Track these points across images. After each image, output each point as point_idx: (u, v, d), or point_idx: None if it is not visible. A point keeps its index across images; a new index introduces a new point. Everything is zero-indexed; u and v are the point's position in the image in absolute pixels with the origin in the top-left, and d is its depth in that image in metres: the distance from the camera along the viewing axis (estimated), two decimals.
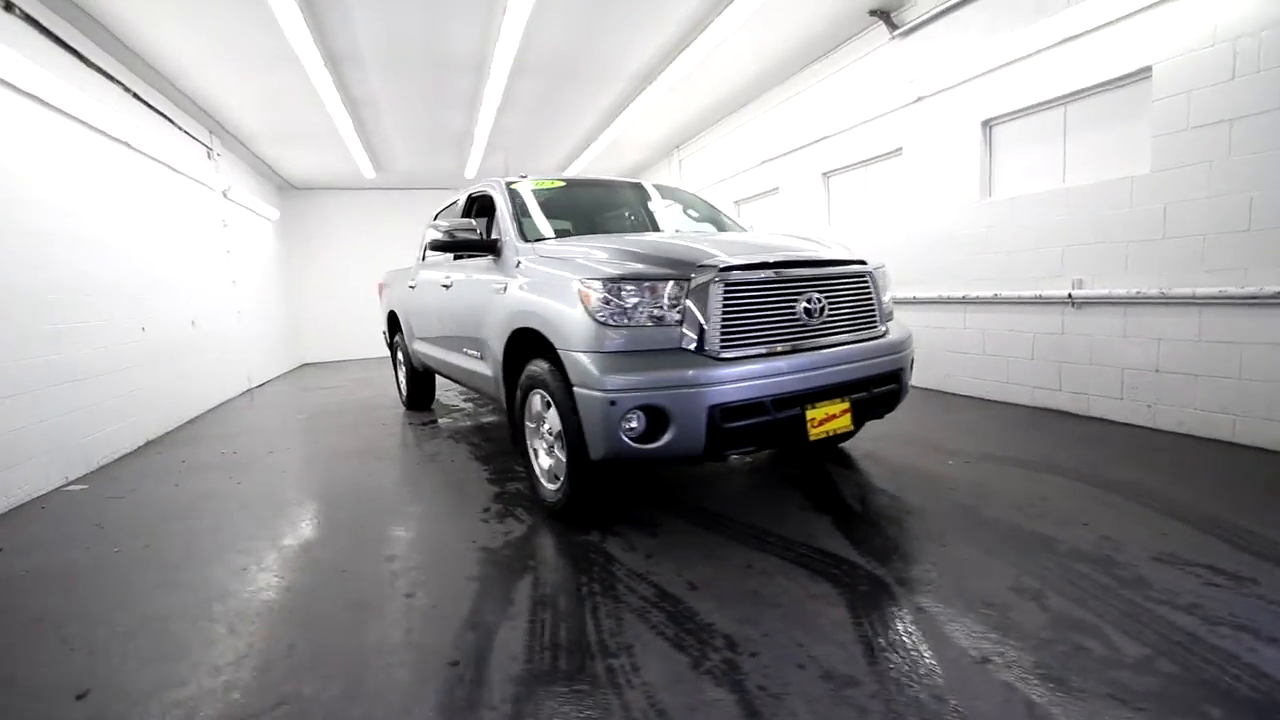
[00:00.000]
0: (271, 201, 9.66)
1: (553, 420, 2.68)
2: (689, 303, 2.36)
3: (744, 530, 2.58)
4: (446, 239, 3.36)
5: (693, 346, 2.36)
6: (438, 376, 5.29)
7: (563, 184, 3.85)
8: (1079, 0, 3.74)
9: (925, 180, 5.10)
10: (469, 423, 5.06)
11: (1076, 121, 3.98)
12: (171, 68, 5.36)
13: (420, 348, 4.99)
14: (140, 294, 4.97)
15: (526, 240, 3.18)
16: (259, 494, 3.39)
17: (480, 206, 4.02)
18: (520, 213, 3.38)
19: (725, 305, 2.38)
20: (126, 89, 4.99)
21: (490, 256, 3.40)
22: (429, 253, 4.96)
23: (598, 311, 2.36)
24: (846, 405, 2.58)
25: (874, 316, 2.83)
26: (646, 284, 2.36)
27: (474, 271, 3.59)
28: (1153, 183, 3.50)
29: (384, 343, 6.57)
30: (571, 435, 2.51)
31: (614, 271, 2.41)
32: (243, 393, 7.53)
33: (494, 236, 3.42)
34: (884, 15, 5.12)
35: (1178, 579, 1.98)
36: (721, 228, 3.90)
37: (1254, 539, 2.22)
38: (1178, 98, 3.34)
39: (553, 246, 2.94)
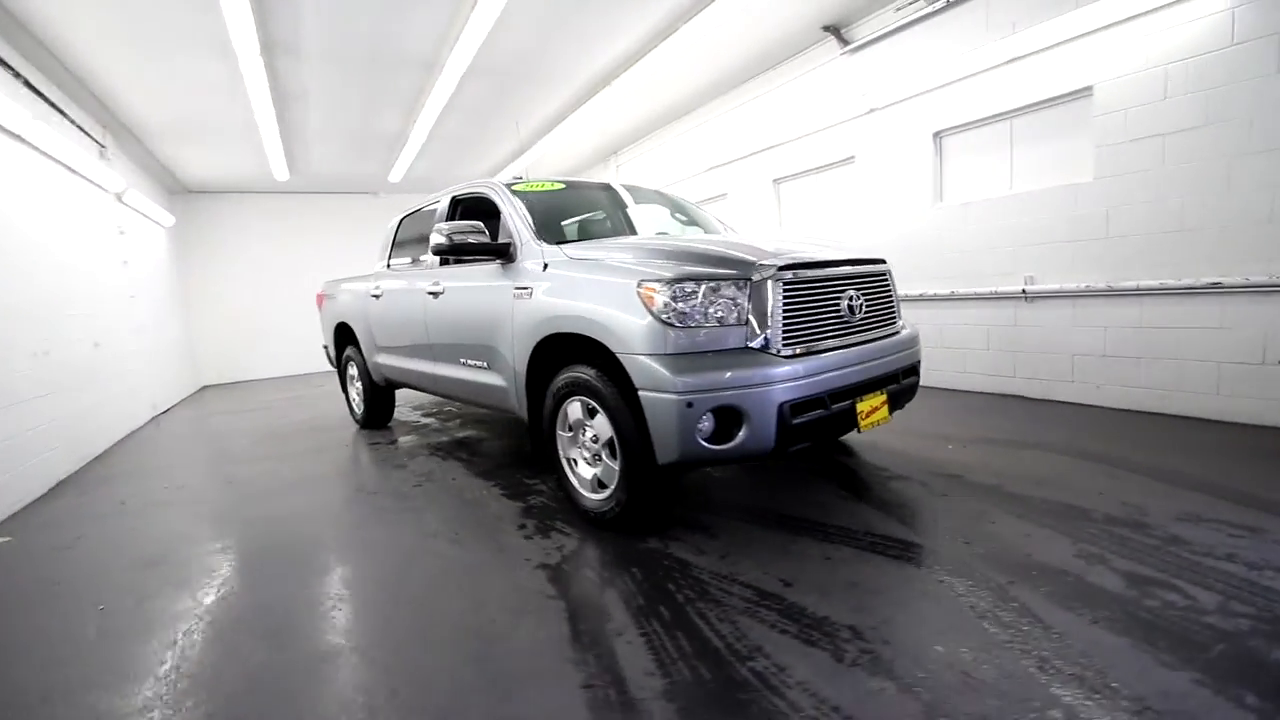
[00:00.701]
0: (165, 206, 8.63)
1: (600, 427, 2.60)
2: (750, 302, 2.38)
3: (799, 524, 2.62)
4: (450, 243, 3.16)
5: (756, 345, 2.37)
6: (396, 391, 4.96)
7: (562, 186, 3.74)
8: (1024, 28, 4.16)
9: (878, 186, 5.45)
10: (444, 437, 4.77)
11: (1023, 133, 4.42)
12: (59, 48, 4.67)
13: (386, 361, 4.65)
14: (38, 312, 4.26)
15: (545, 243, 3.06)
16: (251, 536, 3.00)
17: (468, 210, 3.83)
18: (535, 215, 3.25)
19: (785, 303, 2.42)
20: (11, 69, 4.29)
21: (497, 261, 3.24)
22: (394, 259, 4.65)
23: (663, 313, 2.32)
24: (885, 397, 2.70)
25: (895, 313, 3.00)
26: (710, 284, 2.35)
27: (476, 278, 3.41)
28: (1096, 189, 3.96)
29: (327, 358, 6.06)
30: (630, 440, 2.44)
31: (676, 272, 2.37)
32: (149, 421, 6.65)
33: (502, 240, 3.26)
34: (835, 31, 5.43)
35: (1206, 535, 2.24)
36: (709, 230, 3.95)
37: (1245, 496, 2.55)
38: (1116, 114, 3.81)
39: (584, 249, 2.85)
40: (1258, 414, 3.40)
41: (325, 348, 6.06)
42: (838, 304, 2.61)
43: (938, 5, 4.60)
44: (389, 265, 4.67)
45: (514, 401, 3.18)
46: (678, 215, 4.14)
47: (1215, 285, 3.46)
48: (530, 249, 3.06)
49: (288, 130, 6.98)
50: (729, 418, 2.28)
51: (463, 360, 3.58)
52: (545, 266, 2.88)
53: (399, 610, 2.13)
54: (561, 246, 2.95)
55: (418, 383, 4.33)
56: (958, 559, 2.20)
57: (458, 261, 3.74)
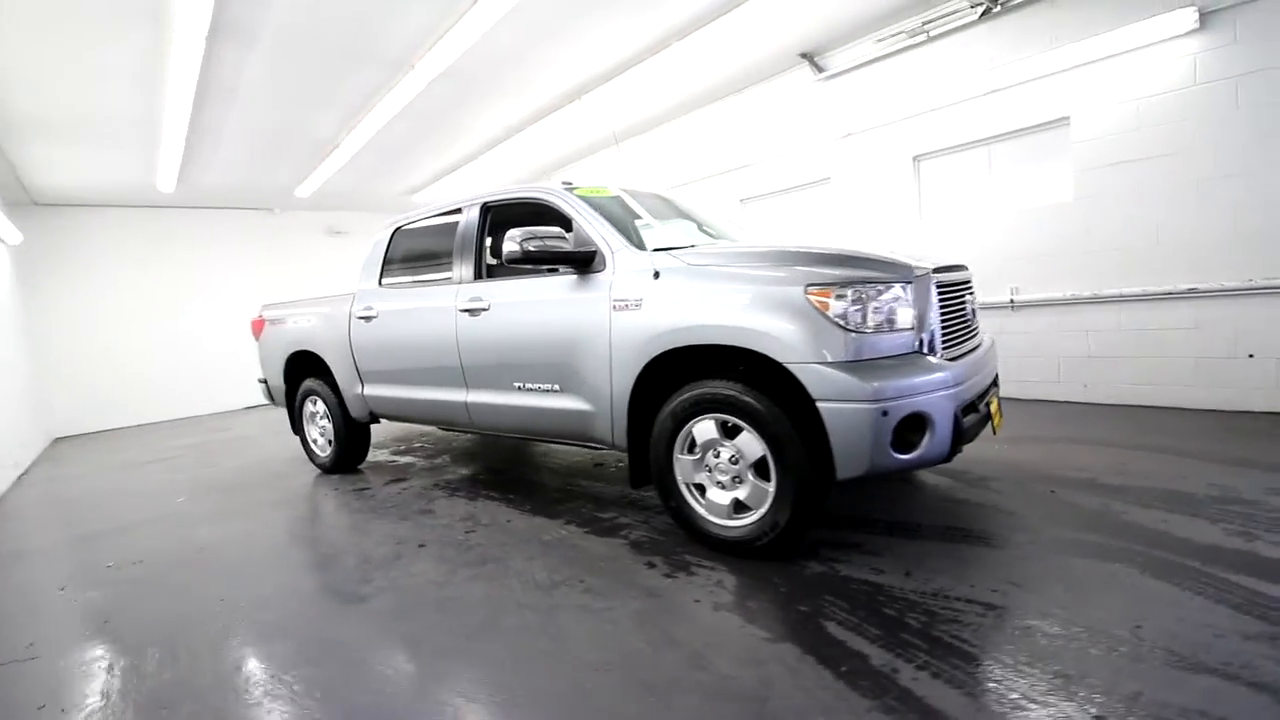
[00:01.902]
0: (10, 220, 7.01)
1: (746, 446, 2.38)
2: (914, 305, 2.31)
3: (941, 532, 2.57)
4: (524, 252, 2.79)
5: (923, 349, 2.31)
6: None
7: (614, 194, 3.47)
8: (1001, 64, 4.59)
9: (856, 206, 5.73)
10: (448, 475, 4.20)
11: (1003, 157, 4.85)
12: None
13: (379, 392, 4.03)
14: None
15: (639, 250, 2.81)
16: (299, 627, 2.37)
17: (505, 218, 3.43)
18: (626, 220, 2.98)
19: (941, 307, 2.40)
20: None
21: (572, 272, 2.92)
22: (387, 276, 4.07)
23: (839, 318, 2.18)
24: (998, 399, 2.76)
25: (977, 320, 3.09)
26: (879, 287, 2.25)
27: (543, 291, 3.04)
28: (1076, 208, 4.42)
29: (265, 394, 5.17)
30: (794, 457, 2.25)
31: (845, 275, 2.25)
32: (14, 483, 5.25)
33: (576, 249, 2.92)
34: (811, 59, 5.68)
35: None
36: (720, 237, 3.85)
37: None
38: (1093, 142, 4.29)
39: (701, 256, 2.63)
40: (1236, 401, 3.92)
41: (262, 382, 5.17)
42: (964, 308, 2.64)
43: (917, 39, 4.96)
44: (381, 283, 4.07)
45: (602, 427, 2.84)
46: (706, 229, 4.02)
47: (1191, 290, 3.98)
48: (627, 257, 2.78)
49: (198, 130, 5.96)
50: (914, 425, 2.17)
51: (519, 385, 3.17)
52: (657, 275, 2.62)
53: (605, 685, 1.75)
54: (670, 253, 2.71)
55: (433, 415, 3.78)
56: (1136, 551, 2.24)
57: (501, 274, 3.34)
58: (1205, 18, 3.74)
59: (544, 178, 9.74)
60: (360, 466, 4.73)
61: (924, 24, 4.83)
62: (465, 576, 2.53)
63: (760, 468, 2.38)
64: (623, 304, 2.69)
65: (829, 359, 2.17)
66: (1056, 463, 3.31)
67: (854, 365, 2.16)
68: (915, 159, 5.30)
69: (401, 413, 4.05)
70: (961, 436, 2.28)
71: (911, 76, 5.13)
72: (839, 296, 2.20)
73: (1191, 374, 4.07)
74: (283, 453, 5.60)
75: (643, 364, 2.62)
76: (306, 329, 4.58)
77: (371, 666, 1.92)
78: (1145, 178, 4.11)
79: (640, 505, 3.25)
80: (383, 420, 4.33)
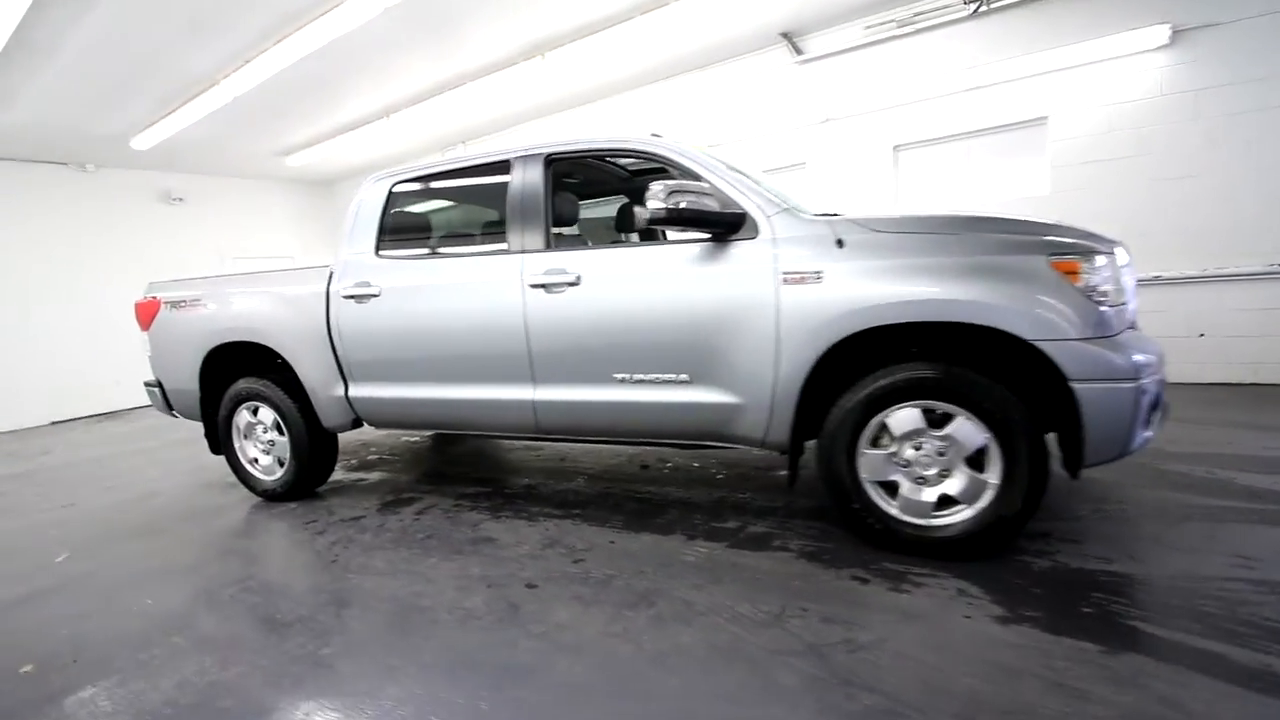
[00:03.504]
0: None
1: (961, 434, 2.14)
2: (1129, 278, 2.24)
3: (1103, 513, 2.55)
4: (671, 212, 2.27)
5: (1128, 324, 2.23)
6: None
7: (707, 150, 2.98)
8: (982, 64, 4.85)
9: (831, 192, 5.76)
10: (461, 490, 3.41)
11: (982, 150, 5.14)
12: None
13: (383, 393, 3.15)
14: None
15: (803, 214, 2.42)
16: None
17: (566, 175, 2.84)
18: (752, 180, 2.55)
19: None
20: None
21: (705, 240, 2.45)
22: (388, 245, 3.19)
23: (1089, 290, 2.02)
24: None
25: None
26: (1109, 258, 2.12)
27: (663, 260, 2.53)
28: (1053, 201, 4.81)
29: (160, 402, 3.88)
30: (1024, 444, 2.06)
31: (1086, 244, 2.09)
32: None
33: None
34: (791, 40, 5.59)
35: None
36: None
37: None
38: (1069, 141, 4.69)
39: (890, 222, 2.30)
40: (1195, 376, 4.51)
41: (155, 387, 3.88)
42: None
43: (905, 30, 5.08)
44: (379, 253, 3.17)
45: (753, 422, 2.42)
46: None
47: (1155, 278, 4.51)
48: (791, 222, 2.37)
49: (22, 44, 4.28)
50: (1154, 404, 2.09)
51: (623, 376, 2.61)
52: (840, 243, 2.26)
53: None
54: (844, 219, 2.36)
55: (470, 419, 3.02)
56: None
57: (566, 244, 2.75)
58: (1176, 35, 4.23)
59: (451, 148, 8.68)
60: (319, 489, 3.73)
61: (916, 14, 4.95)
62: (645, 622, 1.98)
63: (975, 460, 2.16)
64: (796, 277, 2.29)
65: (1084, 334, 2.00)
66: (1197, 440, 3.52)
67: (1106, 341, 2.01)
68: (895, 148, 5.45)
69: (411, 418, 3.22)
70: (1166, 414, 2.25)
71: (895, 67, 5.25)
72: (1088, 268, 2.03)
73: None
74: (181, 477, 4.28)
75: (824, 347, 2.25)
76: (245, 313, 3.47)
77: None
78: (1116, 176, 4.59)
79: (748, 509, 2.87)
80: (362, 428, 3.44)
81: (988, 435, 2.11)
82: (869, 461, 2.29)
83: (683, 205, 2.29)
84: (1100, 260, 2.06)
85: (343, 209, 10.68)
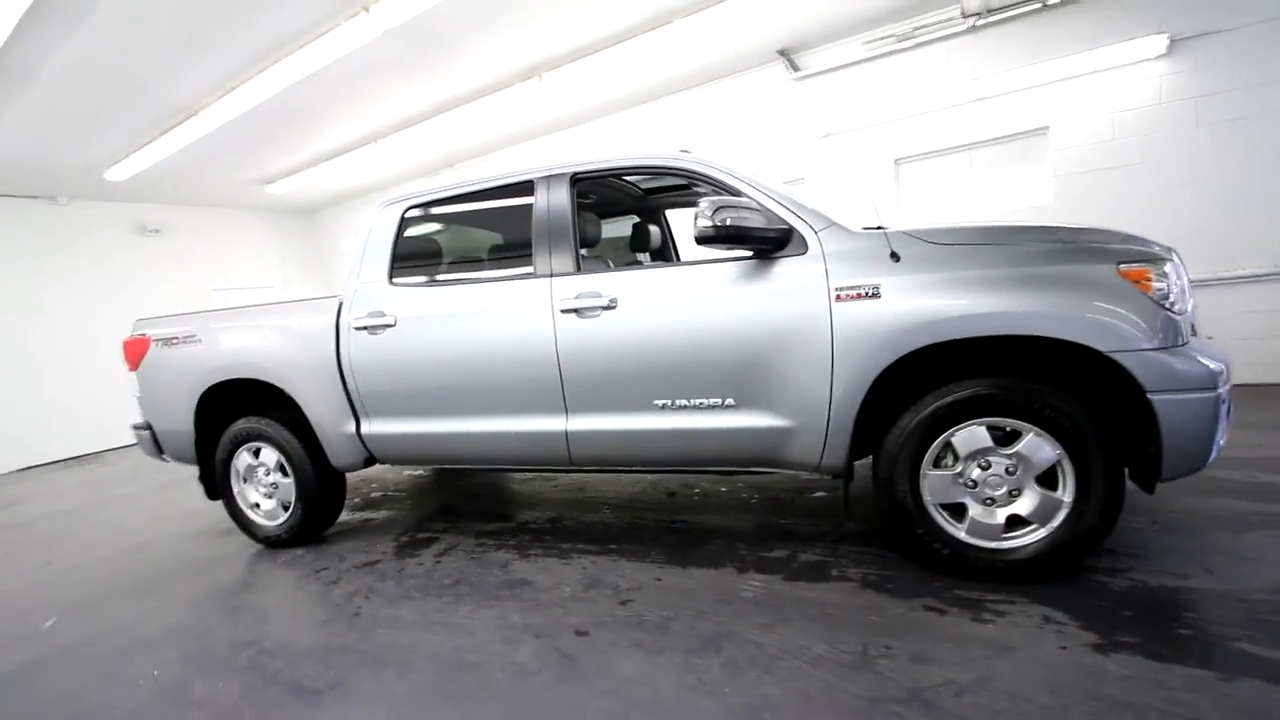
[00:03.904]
0: None
1: (1033, 451, 2.06)
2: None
3: (1154, 525, 2.49)
4: (719, 228, 2.18)
5: (1191, 334, 2.18)
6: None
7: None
8: (985, 74, 4.90)
9: (831, 206, 5.74)
10: (478, 528, 3.24)
11: (984, 161, 5.18)
12: None
13: (404, 429, 2.98)
14: None
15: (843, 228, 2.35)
16: None
17: (592, 195, 2.74)
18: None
19: None
20: None
21: (747, 258, 2.37)
22: (401, 273, 3.04)
23: (1163, 299, 1.97)
24: None
25: None
26: (1174, 264, 2.08)
27: (703, 281, 2.42)
28: (1057, 211, 4.85)
29: (150, 445, 3.64)
30: (1105, 459, 1.99)
31: (1152, 252, 2.04)
32: None
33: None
34: (788, 57, 5.61)
35: None
36: None
37: None
38: (1071, 149, 4.74)
39: (942, 233, 2.23)
40: None
41: (144, 429, 3.64)
42: None
43: (905, 44, 5.12)
44: (392, 281, 3.02)
45: (806, 446, 2.32)
46: None
47: None
48: (841, 237, 2.31)
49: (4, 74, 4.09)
50: (1228, 412, 2.03)
51: (664, 403, 2.48)
52: (896, 257, 2.19)
53: None
54: (894, 233, 2.28)
55: (498, 453, 2.86)
56: None
57: (592, 266, 2.64)
58: (1174, 44, 4.32)
59: (438, 173, 8.55)
60: (326, 533, 3.52)
61: (916, 29, 5.00)
62: (719, 671, 1.83)
63: (1049, 477, 2.08)
64: (851, 293, 2.20)
65: (1159, 344, 1.94)
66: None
67: (1180, 350, 1.96)
68: (896, 161, 5.47)
69: (430, 454, 3.05)
70: None
71: (895, 80, 5.29)
72: (1159, 274, 1.98)
73: None
74: (168, 526, 4.03)
75: (884, 365, 2.17)
76: (245, 348, 3.28)
77: None
78: (1118, 184, 4.64)
79: (793, 535, 2.76)
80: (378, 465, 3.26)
81: (1060, 451, 2.04)
82: (933, 483, 2.19)
83: (729, 221, 2.20)
84: (1168, 266, 2.02)
85: (325, 237, 10.55)
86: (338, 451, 3.16)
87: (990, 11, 4.69)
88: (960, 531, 2.19)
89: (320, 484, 3.24)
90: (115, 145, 5.76)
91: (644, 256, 3.81)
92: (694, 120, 6.34)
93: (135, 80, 4.51)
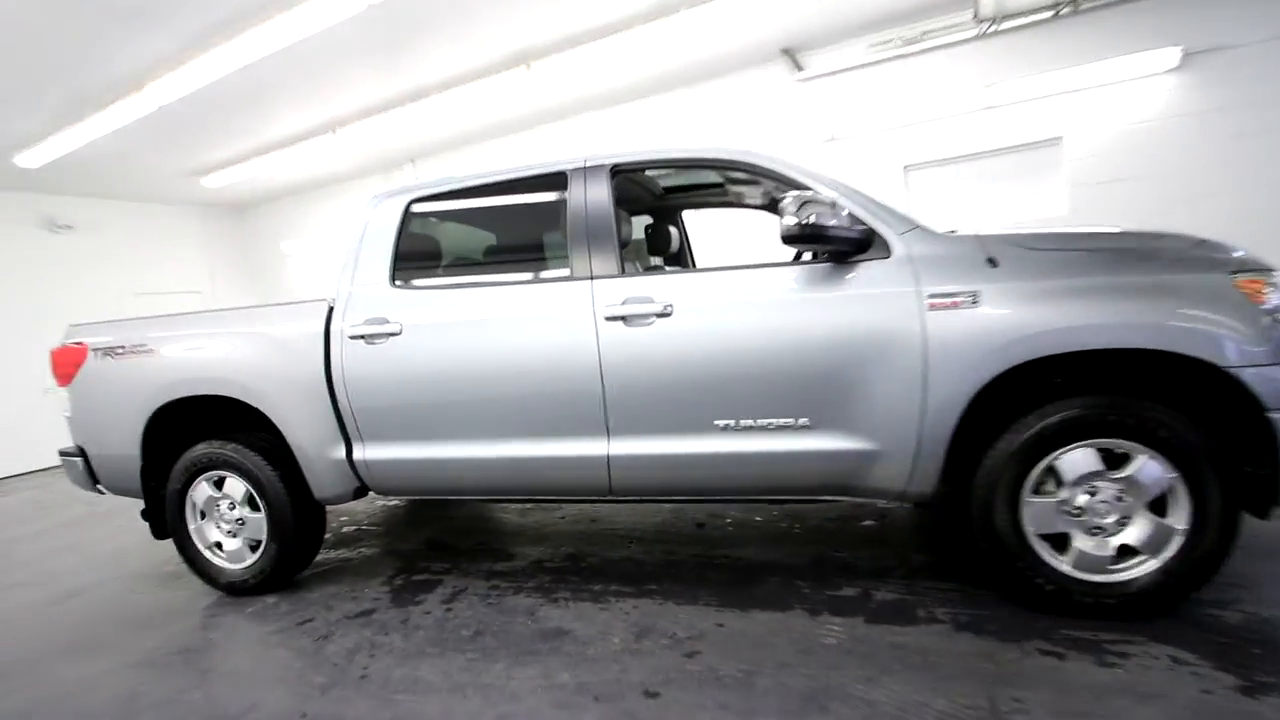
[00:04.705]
0: None
1: (1145, 475, 1.98)
2: None
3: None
4: (804, 228, 2.04)
5: None
6: None
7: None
8: (997, 84, 5.00)
9: None
10: (485, 568, 2.96)
11: (995, 170, 5.27)
12: None
13: (409, 454, 2.69)
14: None
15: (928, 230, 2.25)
16: None
17: (627, 192, 2.58)
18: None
19: None
20: None
21: (824, 261, 2.24)
22: (421, 273, 2.78)
23: (1275, 311, 1.93)
24: None
25: None
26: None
27: (779, 284, 2.28)
28: (1073, 220, 4.96)
29: (85, 477, 3.21)
30: (1222, 482, 1.93)
31: (1261, 262, 2.01)
32: None
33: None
34: (792, 56, 5.60)
35: None
36: None
37: None
38: (1085, 160, 4.88)
39: (1039, 238, 2.16)
40: None
41: (76, 455, 3.21)
42: None
43: (911, 49, 5.19)
44: (394, 283, 2.74)
45: (892, 472, 2.18)
46: None
47: None
48: (929, 240, 2.20)
49: None
50: None
51: (727, 423, 2.30)
52: (993, 262, 2.09)
53: None
54: (987, 236, 2.20)
55: (523, 482, 2.62)
56: None
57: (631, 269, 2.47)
58: (1186, 58, 4.50)
59: (398, 169, 8.20)
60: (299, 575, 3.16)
61: (923, 33, 5.07)
62: None
63: (1158, 503, 2.01)
64: (946, 301, 2.09)
65: (1276, 359, 1.90)
66: None
67: None
68: (906, 168, 5.51)
69: (440, 483, 2.77)
70: None
71: (903, 86, 5.34)
72: (1271, 286, 1.95)
73: None
74: (102, 568, 3.57)
75: (985, 380, 2.06)
76: (210, 359, 2.93)
77: None
78: (1132, 195, 4.79)
79: (857, 571, 2.62)
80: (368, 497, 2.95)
81: (1174, 474, 1.97)
82: (1035, 512, 2.09)
83: (813, 219, 2.06)
84: (1279, 277, 1.99)
85: (259, 236, 9.92)
86: (323, 481, 2.83)
87: (1005, 18, 4.79)
88: (1065, 565, 2.09)
89: (298, 519, 2.90)
90: (32, 127, 5.20)
91: (658, 260, 3.67)
92: (693, 118, 6.26)
93: (68, 51, 4.06)
